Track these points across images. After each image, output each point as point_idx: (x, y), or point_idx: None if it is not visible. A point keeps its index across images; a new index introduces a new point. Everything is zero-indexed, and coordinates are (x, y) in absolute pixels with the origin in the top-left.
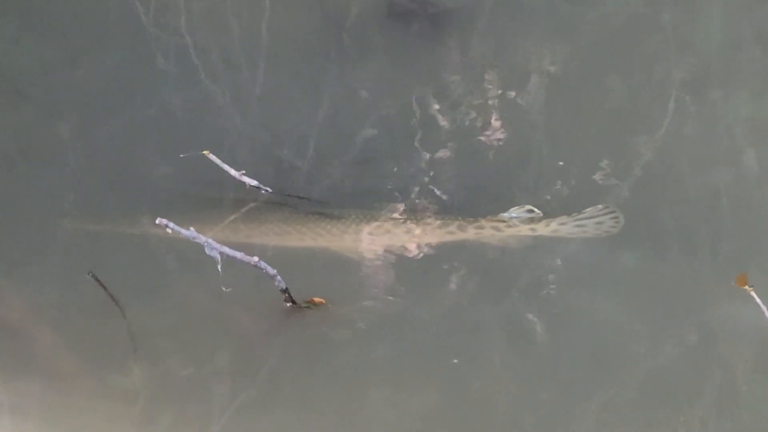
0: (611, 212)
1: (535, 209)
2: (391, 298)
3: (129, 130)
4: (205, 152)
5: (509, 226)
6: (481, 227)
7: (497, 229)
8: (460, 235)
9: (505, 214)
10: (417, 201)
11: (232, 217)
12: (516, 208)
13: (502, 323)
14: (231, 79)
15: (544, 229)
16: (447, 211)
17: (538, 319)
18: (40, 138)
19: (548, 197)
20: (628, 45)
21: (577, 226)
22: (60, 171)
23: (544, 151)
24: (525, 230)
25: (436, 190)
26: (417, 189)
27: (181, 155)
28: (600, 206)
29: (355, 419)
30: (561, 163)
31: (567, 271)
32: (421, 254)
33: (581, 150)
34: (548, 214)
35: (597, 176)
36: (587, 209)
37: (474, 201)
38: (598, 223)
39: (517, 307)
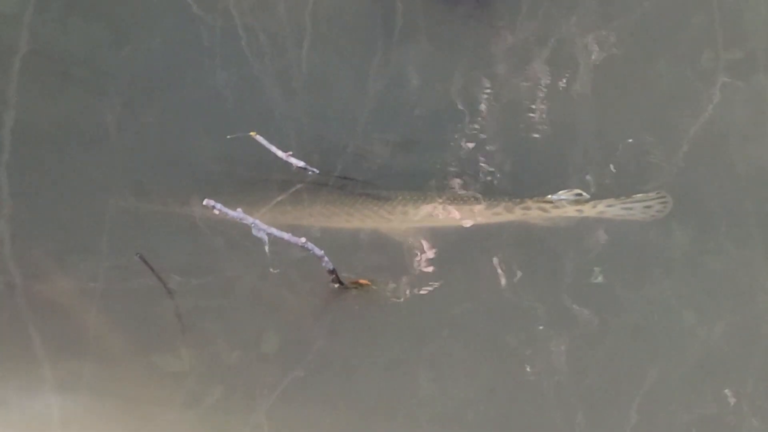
0: (661, 197)
1: (584, 192)
2: (437, 279)
3: (176, 110)
4: (251, 133)
5: (556, 207)
6: (528, 208)
7: (544, 210)
8: (506, 216)
9: (553, 196)
10: (463, 182)
11: (279, 198)
12: (564, 191)
13: (549, 305)
14: (278, 60)
15: (590, 210)
16: (493, 192)
17: (587, 301)
18: (87, 119)
19: (594, 178)
20: (675, 26)
21: (624, 208)
22: (107, 152)
23: (591, 133)
24: (571, 211)
25: (482, 172)
26: (464, 170)
27: (228, 136)
28: (652, 193)
29: (402, 400)
30: (630, 140)
31: (616, 252)
32: (468, 235)
33: (629, 131)
34: (595, 196)
35: (644, 158)
36: (637, 195)
37: (520, 183)
38: (646, 206)
39: (565, 289)
